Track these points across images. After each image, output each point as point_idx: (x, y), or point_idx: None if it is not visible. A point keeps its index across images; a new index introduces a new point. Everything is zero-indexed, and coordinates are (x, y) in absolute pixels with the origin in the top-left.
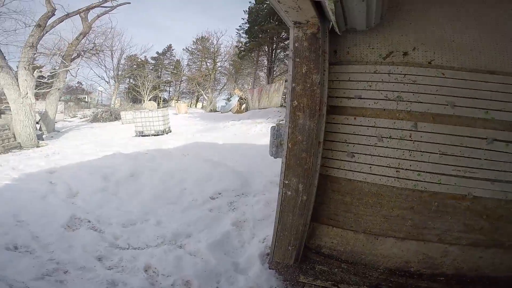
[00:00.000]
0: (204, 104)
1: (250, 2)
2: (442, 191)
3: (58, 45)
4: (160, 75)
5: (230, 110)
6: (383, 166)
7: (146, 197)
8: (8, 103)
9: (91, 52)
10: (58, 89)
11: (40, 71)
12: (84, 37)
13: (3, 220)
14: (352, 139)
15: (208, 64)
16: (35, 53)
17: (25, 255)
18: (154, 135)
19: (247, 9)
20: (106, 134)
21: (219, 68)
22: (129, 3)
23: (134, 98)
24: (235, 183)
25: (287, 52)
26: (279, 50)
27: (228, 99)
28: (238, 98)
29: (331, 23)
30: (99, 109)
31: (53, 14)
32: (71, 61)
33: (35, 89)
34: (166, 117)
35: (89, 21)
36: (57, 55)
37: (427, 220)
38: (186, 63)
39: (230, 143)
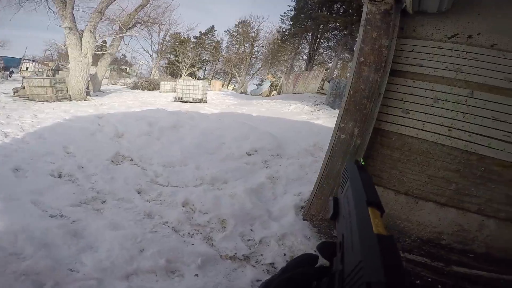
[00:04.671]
0: (235, 86)
1: None
2: (491, 156)
3: (118, 16)
4: (200, 53)
5: (261, 94)
6: (436, 124)
7: (187, 145)
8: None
9: (146, 24)
10: (111, 55)
11: (102, 36)
12: (141, 9)
13: (52, 149)
14: (408, 98)
15: (246, 47)
16: (101, 18)
17: (67, 183)
18: (192, 102)
19: None
20: (147, 97)
21: (255, 52)
22: None
23: (172, 72)
24: (271, 144)
25: (331, 43)
26: (323, 40)
27: (260, 84)
28: (270, 83)
29: (404, 4)
30: (139, 79)
31: None
32: (127, 31)
33: (94, 51)
34: (205, 88)
35: None
36: (118, 23)
37: (471, 186)
38: (225, 45)
39: (264, 115)
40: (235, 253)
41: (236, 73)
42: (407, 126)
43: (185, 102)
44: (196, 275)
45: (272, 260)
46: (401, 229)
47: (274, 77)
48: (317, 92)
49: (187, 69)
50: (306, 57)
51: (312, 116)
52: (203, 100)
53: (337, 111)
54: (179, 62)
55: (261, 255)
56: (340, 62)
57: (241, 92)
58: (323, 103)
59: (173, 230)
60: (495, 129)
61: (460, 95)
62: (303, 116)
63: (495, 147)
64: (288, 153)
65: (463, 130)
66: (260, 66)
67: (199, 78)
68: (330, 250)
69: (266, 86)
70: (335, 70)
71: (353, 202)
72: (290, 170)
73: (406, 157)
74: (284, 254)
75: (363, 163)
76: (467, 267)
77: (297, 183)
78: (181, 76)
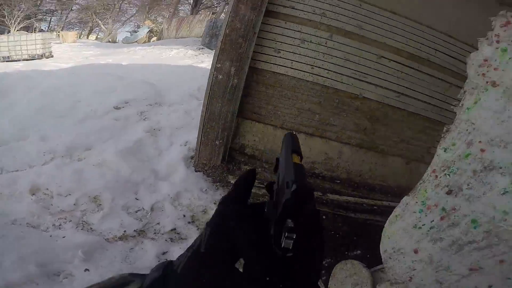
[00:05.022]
0: (99, 35)
1: None
2: (343, 89)
3: None
4: (41, 3)
5: (136, 41)
6: (302, 63)
7: (22, 113)
8: None
9: None
10: None
11: None
12: None
13: None
14: (280, 38)
15: None
16: None
17: None
18: (28, 60)
19: None
20: None
21: None
22: None
23: None
24: (146, 92)
25: None
26: None
27: (135, 31)
28: (148, 29)
29: None
30: None
31: None
32: None
33: None
34: (48, 40)
35: None
36: None
37: (330, 116)
38: None
39: (138, 63)
40: (124, 230)
41: (100, 22)
42: (279, 65)
43: (16, 61)
44: (87, 269)
45: (172, 226)
46: None
47: (154, 23)
48: (201, 36)
49: (19, 23)
50: (192, 1)
51: (197, 60)
52: (45, 55)
53: None
54: (4, 17)
55: (158, 223)
56: (227, 6)
57: (109, 41)
58: (202, 46)
59: (29, 227)
60: (346, 67)
61: (321, 37)
62: (187, 61)
63: (346, 82)
64: (170, 99)
65: (323, 68)
66: (135, 12)
67: (41, 31)
68: (271, 186)
69: (143, 32)
70: (222, 14)
71: (284, 152)
72: (174, 117)
73: (279, 93)
74: (184, 216)
75: (294, 133)
76: (338, 194)
77: (183, 131)
78: (8, 32)
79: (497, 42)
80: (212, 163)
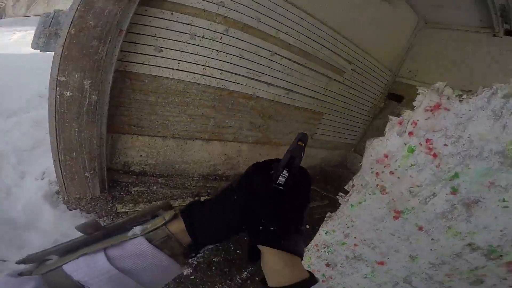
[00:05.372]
0: None
1: None
2: (237, 90)
3: None
4: None
5: None
6: (192, 63)
7: None
8: None
9: None
10: None
11: None
12: None
13: None
14: (163, 33)
15: None
16: None
17: None
18: None
19: None
20: None
21: None
22: None
23: None
24: None
25: None
26: None
27: None
28: None
29: None
30: None
31: None
32: None
33: None
34: None
35: None
36: None
37: (225, 118)
38: None
39: None
40: None
41: None
42: (161, 66)
43: None
44: None
45: None
46: (181, 172)
47: None
48: (33, 37)
49: None
50: None
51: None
52: None
53: None
54: None
55: None
56: None
57: None
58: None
59: None
60: (241, 66)
61: (216, 32)
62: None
63: (240, 83)
64: (10, 107)
65: (216, 68)
66: None
67: None
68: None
69: None
70: None
71: (294, 140)
72: (18, 135)
73: (164, 99)
74: None
75: (305, 132)
76: None
77: (36, 154)
78: None
79: (410, 134)
80: (89, 196)
